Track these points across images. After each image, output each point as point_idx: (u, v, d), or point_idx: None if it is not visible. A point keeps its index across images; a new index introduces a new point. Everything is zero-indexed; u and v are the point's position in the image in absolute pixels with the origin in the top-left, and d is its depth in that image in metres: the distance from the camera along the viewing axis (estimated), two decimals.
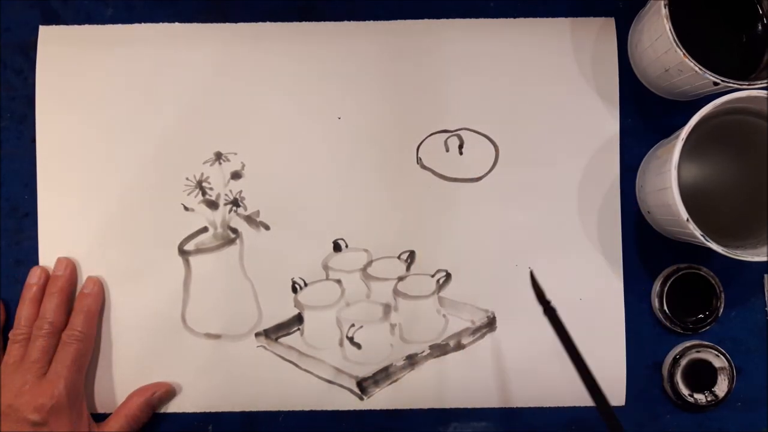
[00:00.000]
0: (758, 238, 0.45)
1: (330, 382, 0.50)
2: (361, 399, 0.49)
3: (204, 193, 0.50)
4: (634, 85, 0.50)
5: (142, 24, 0.51)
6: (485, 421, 0.50)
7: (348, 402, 0.49)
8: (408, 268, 0.50)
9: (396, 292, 0.50)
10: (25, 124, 0.50)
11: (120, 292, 0.50)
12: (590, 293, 0.50)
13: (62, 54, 0.50)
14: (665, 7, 0.43)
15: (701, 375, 0.48)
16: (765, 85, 0.42)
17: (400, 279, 0.50)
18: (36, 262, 0.50)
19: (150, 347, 0.49)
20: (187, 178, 0.50)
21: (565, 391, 0.49)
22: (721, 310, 0.49)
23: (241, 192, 0.50)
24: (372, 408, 0.49)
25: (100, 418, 0.49)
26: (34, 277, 0.49)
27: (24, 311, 0.48)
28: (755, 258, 0.43)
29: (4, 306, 0.50)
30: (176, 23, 0.51)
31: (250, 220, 0.50)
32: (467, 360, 0.49)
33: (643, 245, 0.50)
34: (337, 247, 0.50)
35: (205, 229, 0.50)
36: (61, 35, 0.50)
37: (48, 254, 0.50)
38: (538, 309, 0.50)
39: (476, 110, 0.50)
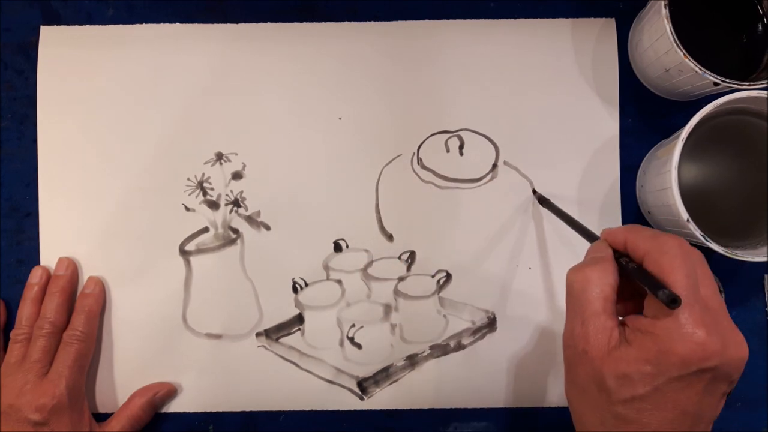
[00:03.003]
0: (758, 238, 0.45)
1: (330, 382, 0.50)
2: (362, 399, 0.49)
3: (205, 194, 0.50)
4: (634, 86, 0.50)
5: (143, 24, 0.51)
6: (485, 421, 0.50)
7: (348, 402, 0.49)
8: (408, 269, 0.50)
9: (396, 293, 0.50)
10: (27, 125, 0.50)
11: (121, 292, 0.50)
12: None
13: (63, 54, 0.50)
14: (665, 8, 0.43)
15: None
16: (765, 85, 0.42)
17: (401, 279, 0.50)
18: (37, 261, 0.50)
19: (151, 347, 0.50)
20: (188, 179, 0.50)
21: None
22: None
23: (241, 192, 0.50)
24: (372, 408, 0.49)
25: (101, 417, 0.49)
26: (35, 277, 0.49)
27: (25, 311, 0.48)
28: (755, 258, 0.43)
29: (5, 306, 0.50)
30: (177, 23, 0.51)
31: (250, 220, 0.50)
32: (467, 360, 0.50)
33: None
34: (337, 248, 0.50)
35: (206, 230, 0.50)
36: (62, 35, 0.50)
37: (49, 254, 0.50)
38: (539, 309, 0.50)
39: (477, 111, 0.50)
